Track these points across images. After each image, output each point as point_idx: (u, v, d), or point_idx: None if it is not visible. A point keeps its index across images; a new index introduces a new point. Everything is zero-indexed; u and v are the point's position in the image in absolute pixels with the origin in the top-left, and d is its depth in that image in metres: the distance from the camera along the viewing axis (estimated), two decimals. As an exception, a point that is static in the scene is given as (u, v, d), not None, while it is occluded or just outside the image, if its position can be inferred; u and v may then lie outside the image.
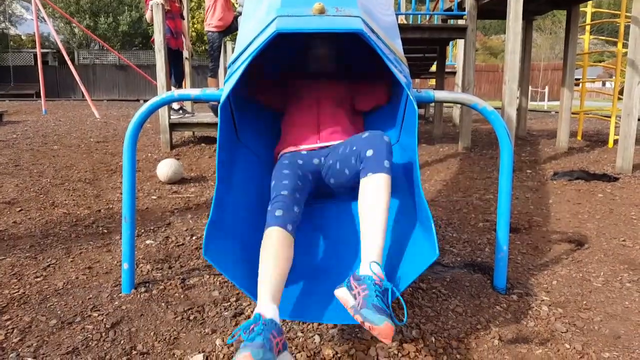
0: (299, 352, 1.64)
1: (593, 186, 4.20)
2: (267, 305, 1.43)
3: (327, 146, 2.13)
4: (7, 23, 25.56)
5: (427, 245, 1.63)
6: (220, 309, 1.94)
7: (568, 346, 1.70)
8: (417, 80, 15.60)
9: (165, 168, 4.18)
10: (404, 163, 2.05)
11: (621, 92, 6.02)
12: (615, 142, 5.89)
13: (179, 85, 6.09)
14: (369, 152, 1.80)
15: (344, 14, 1.72)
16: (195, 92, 2.04)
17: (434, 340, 1.72)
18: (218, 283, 2.17)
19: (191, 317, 1.87)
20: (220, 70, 7.80)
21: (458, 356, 1.64)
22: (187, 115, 5.96)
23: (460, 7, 6.31)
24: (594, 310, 2.00)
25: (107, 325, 1.79)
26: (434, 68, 9.14)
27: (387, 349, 1.65)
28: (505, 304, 2.01)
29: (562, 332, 1.80)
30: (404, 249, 1.81)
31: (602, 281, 2.29)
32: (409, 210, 1.94)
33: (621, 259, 2.57)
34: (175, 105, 5.89)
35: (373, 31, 1.76)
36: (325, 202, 2.23)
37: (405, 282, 1.59)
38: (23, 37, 27.10)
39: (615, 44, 6.50)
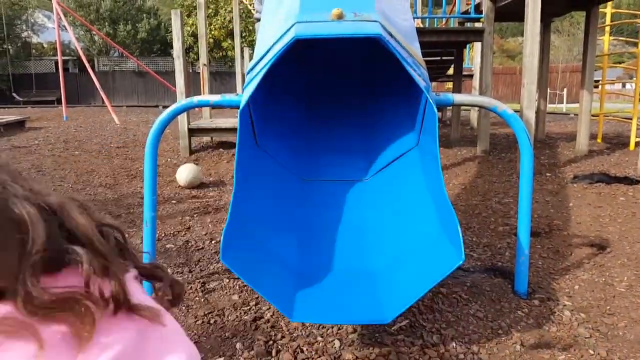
0: (319, 356, 1.64)
1: (614, 189, 4.13)
2: None
3: None
4: (29, 32, 26.09)
5: (452, 250, 1.62)
6: (240, 313, 1.95)
7: (592, 352, 1.67)
8: (434, 84, 15.51)
9: (185, 173, 4.24)
10: (425, 166, 2.04)
11: (643, 94, 5.93)
12: (637, 144, 5.79)
13: None
14: None
15: (362, 18, 1.73)
16: (215, 98, 2.07)
17: (455, 345, 1.70)
18: (237, 287, 2.18)
19: (211, 321, 1.89)
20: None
21: (479, 361, 1.62)
22: None
23: (478, 9, 6.27)
24: (618, 315, 1.96)
25: (129, 329, 1.81)
26: (451, 71, 9.10)
27: (408, 354, 1.64)
28: (526, 308, 1.99)
29: (585, 338, 1.77)
30: (426, 253, 1.80)
31: (625, 286, 2.24)
32: (431, 214, 1.93)
33: (645, 264, 2.52)
34: None
35: (391, 35, 1.76)
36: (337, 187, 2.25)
37: (427, 286, 1.58)
38: (45, 45, 27.62)
39: (635, 44, 6.39)
